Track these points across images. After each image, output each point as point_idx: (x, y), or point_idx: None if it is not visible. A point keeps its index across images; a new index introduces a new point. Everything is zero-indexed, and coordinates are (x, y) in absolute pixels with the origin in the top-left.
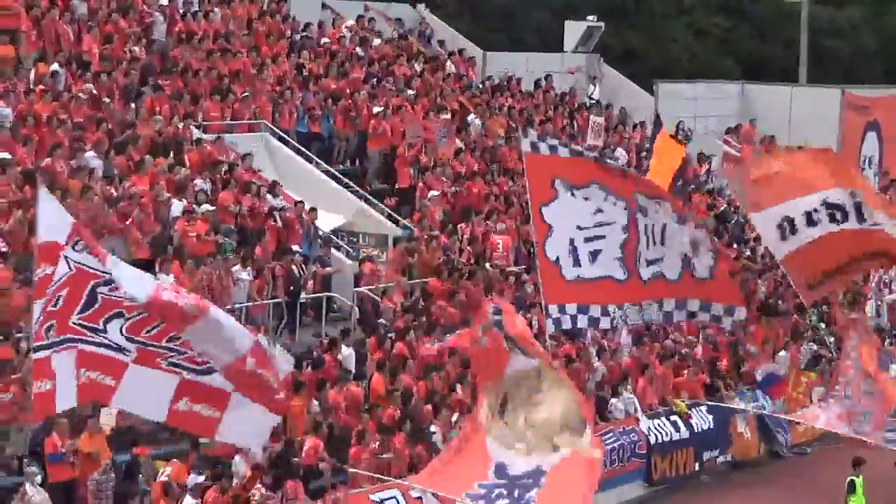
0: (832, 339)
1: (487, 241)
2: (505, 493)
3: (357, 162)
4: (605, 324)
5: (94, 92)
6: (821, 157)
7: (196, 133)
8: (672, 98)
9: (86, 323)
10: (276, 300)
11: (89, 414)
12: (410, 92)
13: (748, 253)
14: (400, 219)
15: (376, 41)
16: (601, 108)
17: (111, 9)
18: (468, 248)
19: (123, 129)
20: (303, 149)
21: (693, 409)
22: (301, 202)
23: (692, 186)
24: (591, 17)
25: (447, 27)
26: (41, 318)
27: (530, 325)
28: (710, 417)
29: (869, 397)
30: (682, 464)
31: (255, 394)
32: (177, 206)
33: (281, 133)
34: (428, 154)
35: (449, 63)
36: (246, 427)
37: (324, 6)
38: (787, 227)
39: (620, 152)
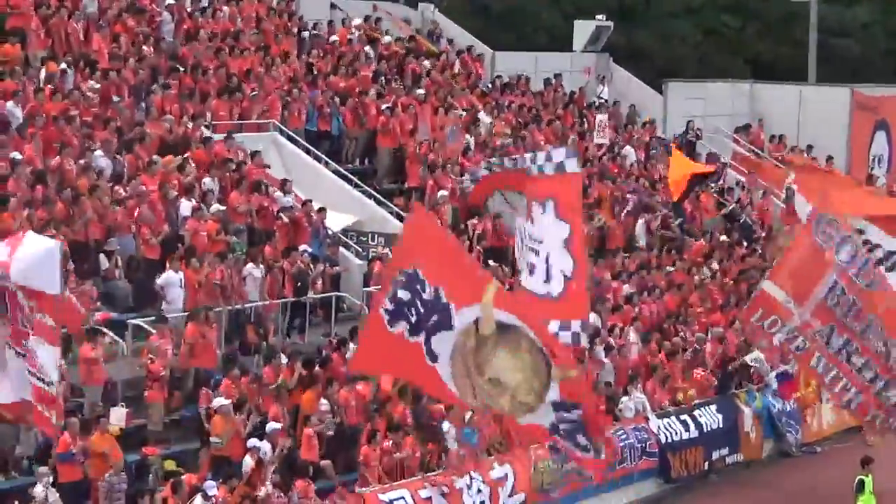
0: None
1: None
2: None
3: (366, 161)
4: (582, 340)
5: (102, 90)
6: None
7: (206, 133)
8: (681, 97)
9: None
10: (287, 299)
11: (101, 413)
12: (420, 91)
13: (759, 251)
14: None
15: (386, 38)
16: (608, 107)
17: (120, 8)
18: (477, 246)
19: (132, 128)
20: (312, 148)
21: (702, 408)
22: (310, 201)
23: (703, 186)
24: (599, 17)
25: (456, 27)
26: None
27: None
28: (720, 417)
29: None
30: (692, 463)
31: None
32: (186, 206)
33: (290, 132)
34: (437, 152)
35: (457, 62)
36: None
37: (332, 6)
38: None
39: (629, 150)
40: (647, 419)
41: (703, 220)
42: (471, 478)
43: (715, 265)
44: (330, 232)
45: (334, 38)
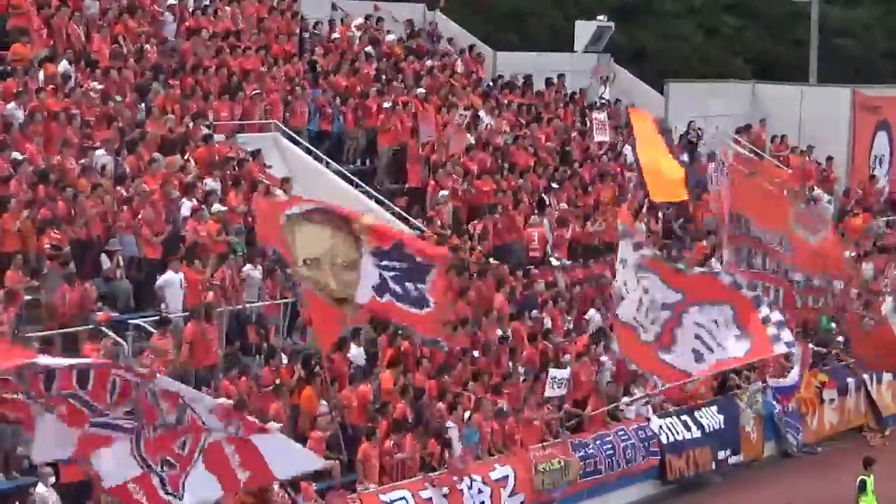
0: (841, 339)
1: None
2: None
3: (367, 161)
4: None
5: (103, 89)
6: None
7: (206, 132)
8: (682, 98)
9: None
10: (287, 300)
11: None
12: (420, 90)
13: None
14: (410, 218)
15: (389, 37)
16: (608, 107)
17: (121, 8)
18: (478, 246)
19: (133, 127)
20: (313, 149)
21: (703, 408)
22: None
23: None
24: (601, 17)
25: (457, 26)
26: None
27: (540, 324)
28: (721, 417)
29: None
30: (700, 462)
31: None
32: (187, 206)
33: (291, 133)
34: (438, 151)
35: (459, 62)
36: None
37: (333, 6)
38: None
39: (627, 149)
40: (648, 419)
41: (704, 220)
42: (471, 479)
43: (716, 264)
44: None
45: (336, 35)
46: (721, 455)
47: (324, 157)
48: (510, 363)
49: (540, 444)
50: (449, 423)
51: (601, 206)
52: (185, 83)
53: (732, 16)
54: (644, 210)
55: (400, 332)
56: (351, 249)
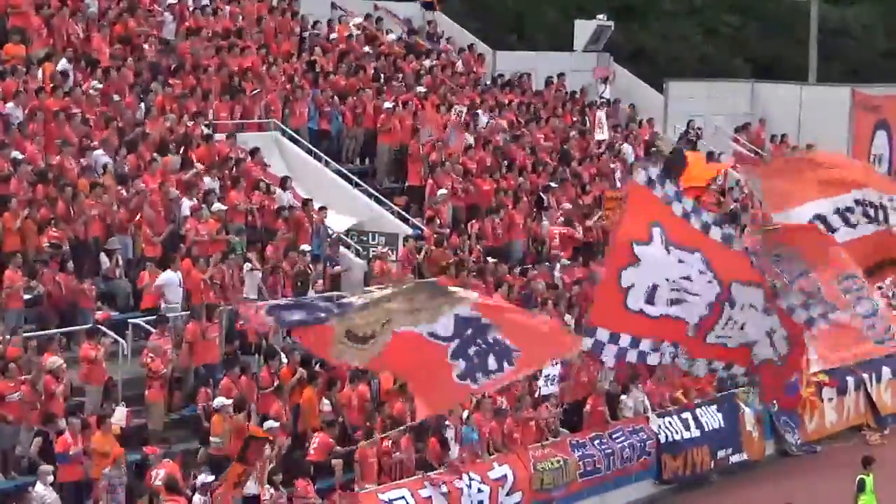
0: None
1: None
2: (470, 342)
3: (367, 160)
4: (652, 360)
5: (103, 88)
6: (841, 161)
7: (206, 132)
8: (682, 97)
9: None
10: (287, 300)
11: (103, 413)
12: (420, 89)
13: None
14: (410, 217)
15: (389, 36)
16: (608, 106)
17: (121, 8)
18: (477, 245)
19: (133, 126)
20: (313, 148)
21: (703, 408)
22: (310, 201)
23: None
24: (600, 16)
25: (457, 26)
26: None
27: None
28: (720, 416)
29: None
30: (698, 462)
31: None
32: (187, 205)
33: (291, 132)
34: (438, 151)
35: (459, 61)
36: None
37: (333, 5)
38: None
39: (627, 147)
40: (647, 419)
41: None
42: (470, 477)
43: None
44: (331, 232)
45: (334, 35)
46: (720, 454)
47: (323, 156)
48: None
49: (538, 444)
50: (447, 423)
51: (605, 202)
52: (184, 82)
53: (732, 15)
54: None
55: None
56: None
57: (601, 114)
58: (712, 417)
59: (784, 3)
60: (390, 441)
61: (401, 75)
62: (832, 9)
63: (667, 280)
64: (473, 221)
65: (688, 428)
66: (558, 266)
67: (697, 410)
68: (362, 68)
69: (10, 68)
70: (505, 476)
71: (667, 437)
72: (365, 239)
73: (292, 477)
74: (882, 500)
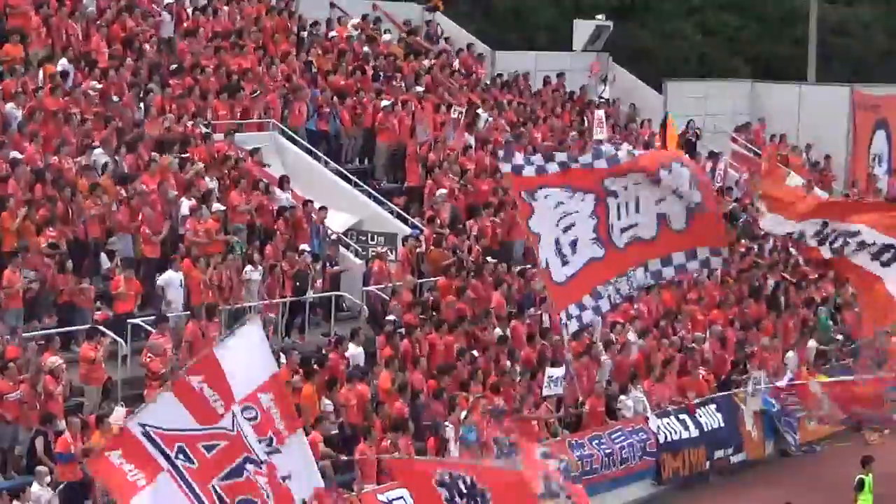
0: (841, 338)
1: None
2: None
3: (365, 160)
4: (604, 306)
5: (102, 88)
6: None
7: (205, 131)
8: (681, 97)
9: (222, 493)
10: (287, 299)
11: (102, 413)
12: (419, 88)
13: (756, 249)
14: (409, 217)
15: (386, 37)
16: (607, 106)
17: (119, 7)
18: (476, 245)
19: (132, 126)
20: (312, 148)
21: (702, 408)
22: (310, 201)
23: None
24: (599, 16)
25: (456, 26)
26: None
27: (540, 322)
28: (720, 416)
29: None
30: (694, 462)
31: None
32: (186, 205)
33: (290, 132)
34: (437, 150)
35: (457, 61)
36: None
37: (332, 5)
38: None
39: (626, 147)
40: (646, 419)
41: None
42: None
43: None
44: (330, 232)
45: (333, 34)
46: (719, 454)
47: (322, 156)
48: (509, 363)
49: (538, 444)
50: (446, 423)
51: None
52: (183, 82)
53: (732, 15)
54: None
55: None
56: None
57: (600, 113)
58: (712, 417)
59: (784, 2)
60: (389, 441)
61: (400, 75)
62: (832, 8)
63: (555, 225)
64: (472, 221)
65: (686, 428)
66: None
67: (697, 410)
68: (361, 68)
69: (9, 68)
70: None
71: (666, 437)
72: (364, 239)
73: None
74: (881, 499)
